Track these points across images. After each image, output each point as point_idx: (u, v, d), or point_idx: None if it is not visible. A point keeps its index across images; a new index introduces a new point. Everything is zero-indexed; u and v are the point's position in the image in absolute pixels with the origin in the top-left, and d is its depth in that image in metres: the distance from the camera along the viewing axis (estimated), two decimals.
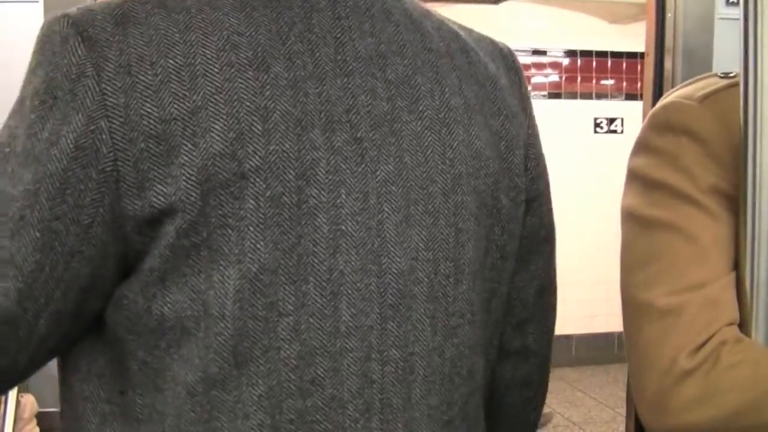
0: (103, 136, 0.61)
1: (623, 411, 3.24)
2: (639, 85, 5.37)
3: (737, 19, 0.86)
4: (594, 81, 5.47)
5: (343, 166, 0.67)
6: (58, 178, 0.61)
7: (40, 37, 0.65)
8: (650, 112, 0.94)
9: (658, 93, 2.20)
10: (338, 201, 0.66)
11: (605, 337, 4.33)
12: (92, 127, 0.61)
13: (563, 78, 5.41)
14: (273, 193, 0.64)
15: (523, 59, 5.15)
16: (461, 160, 0.74)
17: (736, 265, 0.86)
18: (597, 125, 5.47)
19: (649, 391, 0.83)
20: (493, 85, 0.79)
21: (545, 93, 5.38)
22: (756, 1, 0.82)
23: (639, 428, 1.01)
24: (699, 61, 2.11)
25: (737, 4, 0.92)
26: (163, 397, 0.65)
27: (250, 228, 0.63)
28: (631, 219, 0.92)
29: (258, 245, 0.64)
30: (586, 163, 5.30)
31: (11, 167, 0.62)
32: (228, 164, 0.63)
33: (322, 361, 0.66)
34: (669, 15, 2.20)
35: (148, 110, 0.62)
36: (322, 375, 0.66)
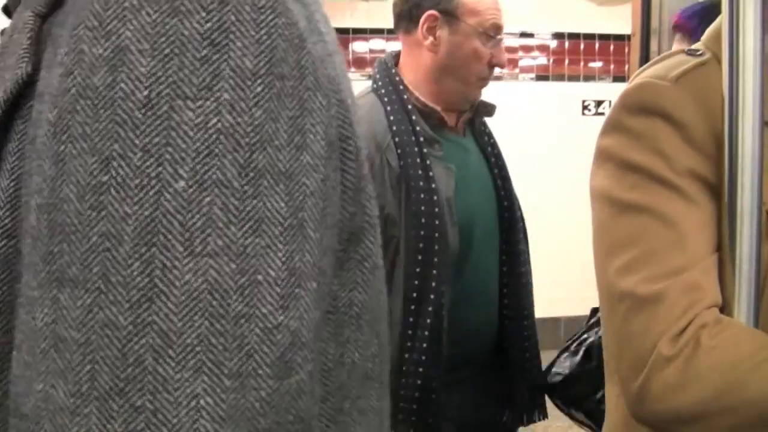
0: (346, 122, 0.46)
1: None
2: (626, 67, 5.37)
3: None
4: (582, 63, 5.45)
5: None
6: (319, 196, 0.42)
7: None
8: (622, 92, 0.92)
9: None
10: None
11: None
12: (332, 112, 0.44)
13: (551, 60, 5.40)
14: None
15: (511, 42, 5.13)
16: None
17: (719, 247, 0.86)
18: (585, 107, 5.45)
19: (634, 381, 0.83)
20: None
21: (533, 75, 5.36)
22: None
23: None
24: None
25: None
26: None
27: None
28: (604, 201, 0.90)
29: None
30: (574, 145, 5.31)
31: (227, 203, 0.39)
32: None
33: None
34: None
35: (341, 87, 0.47)
36: None
